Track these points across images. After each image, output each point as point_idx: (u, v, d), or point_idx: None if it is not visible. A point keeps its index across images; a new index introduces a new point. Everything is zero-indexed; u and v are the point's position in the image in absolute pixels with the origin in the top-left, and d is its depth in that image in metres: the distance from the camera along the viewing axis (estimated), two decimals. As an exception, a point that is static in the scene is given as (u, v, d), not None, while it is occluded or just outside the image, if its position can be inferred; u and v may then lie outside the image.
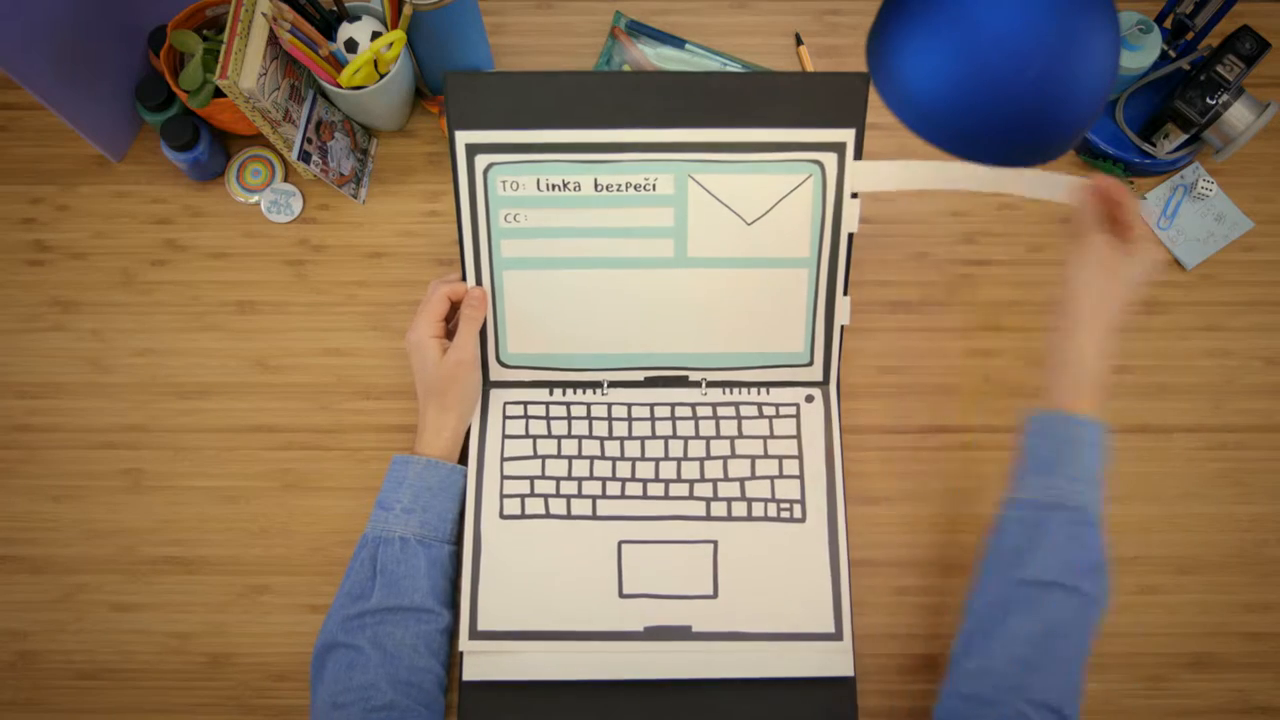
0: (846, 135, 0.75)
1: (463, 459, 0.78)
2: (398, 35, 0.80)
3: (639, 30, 0.94)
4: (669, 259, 0.78)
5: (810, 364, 0.81)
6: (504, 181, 0.76)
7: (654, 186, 0.76)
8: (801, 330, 0.80)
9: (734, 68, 0.92)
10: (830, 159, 0.75)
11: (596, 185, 0.76)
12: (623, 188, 0.76)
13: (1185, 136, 0.85)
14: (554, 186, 0.76)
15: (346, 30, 0.81)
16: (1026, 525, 0.67)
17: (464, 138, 0.75)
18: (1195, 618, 0.78)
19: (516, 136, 0.75)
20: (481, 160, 0.75)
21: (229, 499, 0.82)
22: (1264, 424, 0.83)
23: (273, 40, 0.79)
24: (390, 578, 0.71)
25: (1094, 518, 0.66)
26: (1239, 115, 0.82)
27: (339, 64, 0.82)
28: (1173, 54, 0.87)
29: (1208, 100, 0.82)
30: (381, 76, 0.82)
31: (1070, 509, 0.66)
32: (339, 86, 0.81)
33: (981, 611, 0.66)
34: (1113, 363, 0.69)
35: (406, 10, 0.80)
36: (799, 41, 0.94)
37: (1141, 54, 0.84)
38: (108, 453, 0.83)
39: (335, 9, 0.82)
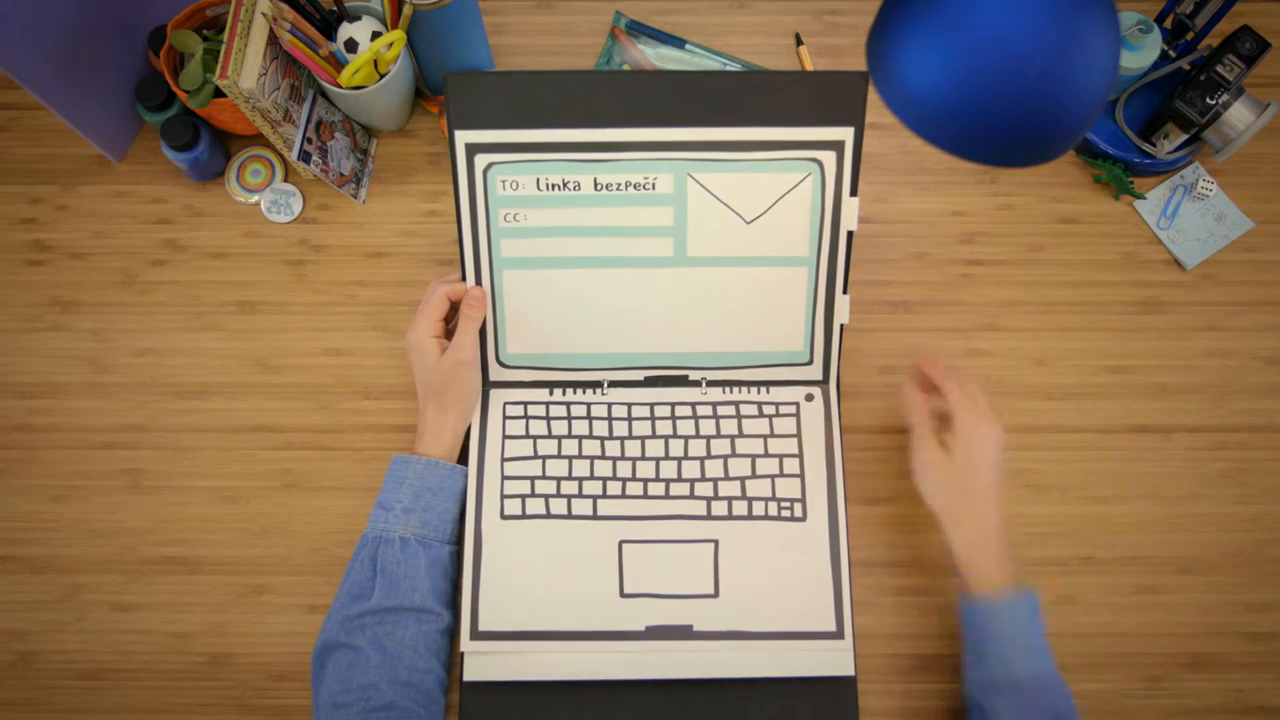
0: (846, 134, 0.75)
1: (462, 459, 0.78)
2: (398, 35, 0.80)
3: (639, 30, 0.94)
4: (668, 258, 0.78)
5: (810, 363, 0.81)
6: (504, 181, 0.76)
7: (653, 185, 0.76)
8: (801, 329, 0.80)
9: (734, 68, 0.92)
10: (829, 157, 0.75)
11: (596, 184, 0.76)
12: (622, 187, 0.76)
13: (1185, 136, 0.85)
14: (554, 186, 0.76)
15: (346, 30, 0.81)
16: (977, 712, 0.70)
17: (464, 137, 0.75)
18: (1195, 618, 0.78)
19: (516, 136, 0.75)
20: (481, 160, 0.75)
21: (229, 499, 0.82)
22: (1264, 424, 0.83)
23: (273, 40, 0.79)
24: (390, 578, 0.71)
25: (1038, 684, 0.68)
26: (1239, 115, 0.82)
27: (339, 64, 0.82)
28: (1173, 54, 0.87)
29: (1208, 100, 0.82)
30: (381, 76, 0.82)
31: (1007, 690, 0.68)
32: (339, 86, 0.81)
33: None
34: (1003, 538, 0.71)
35: (406, 10, 0.80)
36: (799, 41, 0.94)
37: (1141, 54, 0.84)
38: (108, 453, 0.83)
39: (335, 9, 0.82)
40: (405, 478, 0.74)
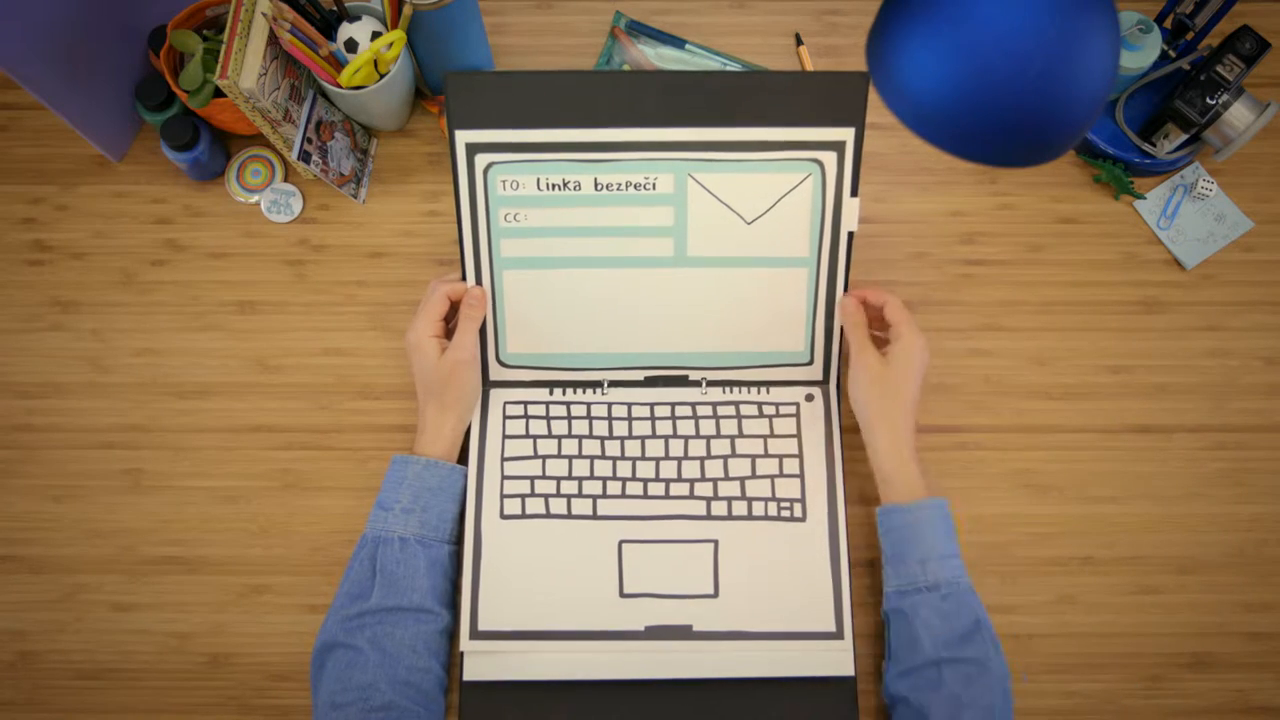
0: (846, 134, 0.75)
1: (462, 459, 0.78)
2: (398, 35, 0.80)
3: (639, 30, 0.94)
4: (669, 258, 0.78)
5: (810, 363, 0.81)
6: (504, 181, 0.76)
7: (654, 185, 0.76)
8: (801, 329, 0.80)
9: (734, 68, 0.92)
10: (830, 158, 0.75)
11: (596, 184, 0.76)
12: (622, 187, 0.76)
13: (1185, 136, 0.85)
14: (554, 186, 0.76)
15: (346, 30, 0.81)
16: (897, 617, 0.72)
17: (464, 137, 0.75)
18: (1195, 618, 0.78)
19: (516, 136, 0.75)
20: (481, 159, 0.75)
21: (229, 499, 0.82)
22: (1264, 424, 0.83)
23: (273, 40, 0.79)
24: (389, 578, 0.71)
25: (954, 588, 0.70)
26: (1239, 115, 0.82)
27: (339, 64, 0.82)
28: (1173, 54, 0.87)
29: (1208, 100, 0.82)
30: (381, 76, 0.82)
31: (926, 590, 0.70)
32: (339, 86, 0.81)
33: (899, 706, 0.70)
34: (915, 449, 0.74)
35: (406, 10, 0.80)
36: (799, 41, 0.94)
37: (1141, 54, 0.84)
38: (108, 453, 0.83)
39: (335, 9, 0.82)
40: (405, 478, 0.74)
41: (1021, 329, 0.85)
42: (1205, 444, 0.83)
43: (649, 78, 0.75)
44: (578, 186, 0.76)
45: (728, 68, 0.92)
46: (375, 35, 0.81)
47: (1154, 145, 0.87)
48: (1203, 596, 0.79)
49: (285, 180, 0.90)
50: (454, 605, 0.75)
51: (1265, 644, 0.78)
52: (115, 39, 0.86)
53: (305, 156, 0.82)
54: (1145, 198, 0.89)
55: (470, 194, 0.76)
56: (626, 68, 0.92)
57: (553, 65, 0.94)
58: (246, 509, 0.81)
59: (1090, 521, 0.80)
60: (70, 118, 0.82)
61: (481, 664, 0.73)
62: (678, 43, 0.93)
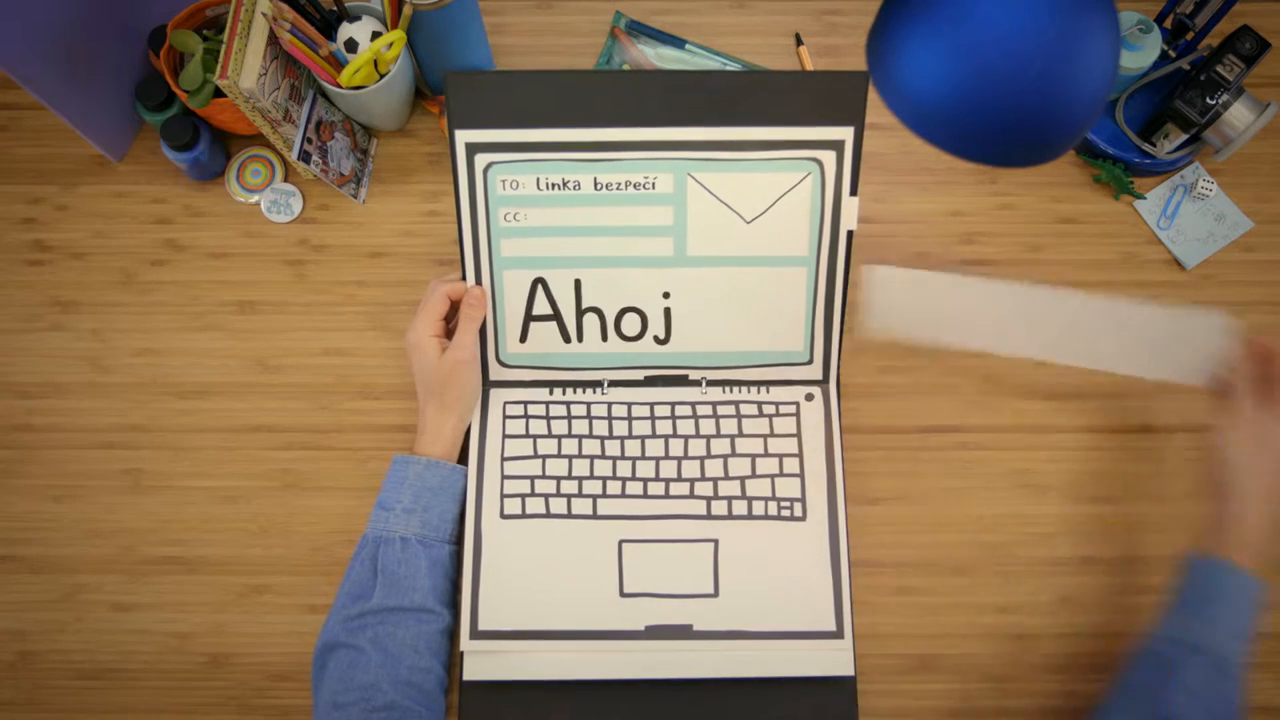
0: (846, 134, 0.75)
1: (462, 459, 0.78)
2: (398, 35, 0.80)
3: (639, 30, 0.94)
4: (668, 258, 0.78)
5: (810, 362, 0.81)
6: (504, 180, 0.76)
7: (653, 185, 0.76)
8: (801, 329, 0.80)
9: (734, 67, 0.92)
10: (829, 157, 0.75)
11: (596, 184, 0.76)
12: (622, 186, 0.76)
13: (1185, 136, 0.85)
14: (554, 185, 0.76)
15: (346, 30, 0.81)
16: (1162, 662, 0.66)
17: (464, 137, 0.75)
18: (1195, 617, 0.78)
19: (516, 135, 0.75)
20: (481, 159, 0.75)
21: (229, 499, 0.82)
22: (1264, 424, 0.83)
23: (273, 40, 0.79)
24: (391, 578, 0.71)
25: (1234, 670, 0.65)
26: (1239, 115, 0.82)
27: (339, 64, 0.82)
28: (1173, 54, 0.87)
29: (1208, 100, 0.82)
30: (381, 76, 0.82)
31: (1211, 654, 0.65)
32: (339, 86, 0.81)
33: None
34: (1275, 529, 0.68)
35: (406, 10, 0.80)
36: (799, 41, 0.94)
37: (1141, 54, 0.84)
38: (108, 453, 0.83)
39: (335, 9, 0.82)
40: (405, 478, 0.74)
41: (1021, 329, 0.85)
42: (1205, 444, 0.82)
43: (649, 78, 0.75)
44: (577, 186, 0.76)
45: (728, 68, 0.92)
46: (375, 35, 0.81)
47: (1154, 145, 0.87)
48: (1203, 596, 0.79)
49: (285, 180, 0.90)
50: (455, 605, 0.75)
51: (1265, 644, 0.78)
52: (115, 39, 0.86)
53: (305, 156, 0.82)
54: (1145, 198, 0.89)
55: (470, 194, 0.76)
56: (626, 68, 0.92)
57: (553, 65, 0.94)
58: (246, 509, 0.81)
59: (1090, 521, 0.80)
60: (70, 118, 0.82)
61: (482, 664, 0.73)
62: (678, 43, 0.93)
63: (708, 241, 0.77)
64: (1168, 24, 0.86)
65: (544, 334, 0.80)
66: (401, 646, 0.69)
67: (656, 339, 0.80)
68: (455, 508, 0.76)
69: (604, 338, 0.80)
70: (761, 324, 0.79)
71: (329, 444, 0.83)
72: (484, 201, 0.76)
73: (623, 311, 0.79)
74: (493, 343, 0.80)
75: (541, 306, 0.79)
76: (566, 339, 0.80)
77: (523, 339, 0.80)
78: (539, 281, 0.78)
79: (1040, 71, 0.51)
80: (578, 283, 0.78)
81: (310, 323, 0.86)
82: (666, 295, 0.79)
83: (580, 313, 0.79)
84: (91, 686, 0.78)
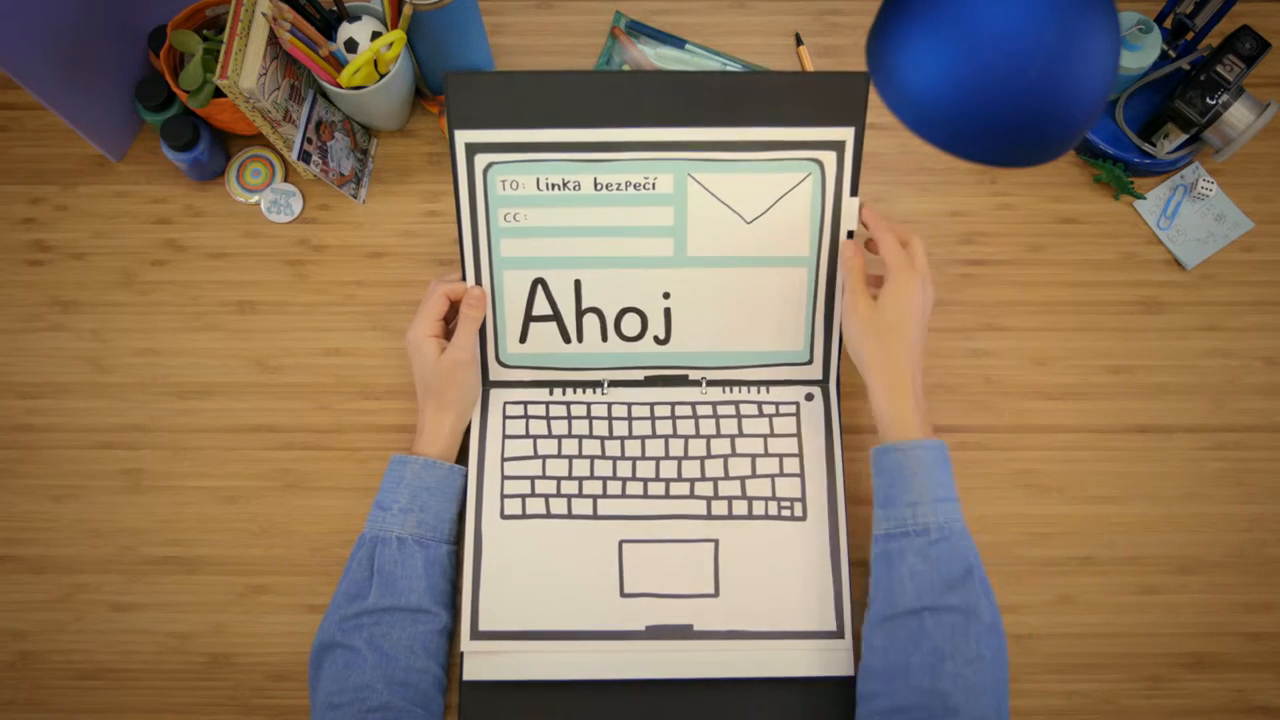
0: (846, 134, 0.75)
1: (461, 458, 0.78)
2: (398, 35, 0.80)
3: (639, 30, 0.94)
4: (669, 258, 0.78)
5: (810, 362, 0.81)
6: (504, 181, 0.76)
7: (654, 185, 0.76)
8: (801, 329, 0.80)
9: (734, 68, 0.92)
10: (829, 157, 0.75)
11: (596, 184, 0.76)
12: (622, 187, 0.76)
13: (1185, 136, 0.85)
14: (554, 186, 0.76)
15: (346, 30, 0.81)
16: (882, 561, 0.69)
17: (464, 137, 0.75)
18: (1195, 618, 0.78)
19: (516, 136, 0.75)
20: (481, 159, 0.75)
21: (229, 499, 0.82)
22: (1264, 424, 0.83)
23: (273, 40, 0.79)
24: (387, 578, 0.71)
25: (945, 533, 0.67)
26: (1239, 115, 0.82)
27: (339, 64, 0.82)
28: (1173, 54, 0.87)
29: (1208, 100, 0.82)
30: (381, 76, 0.82)
31: (915, 534, 0.67)
32: (339, 86, 0.81)
33: (874, 654, 0.68)
34: (921, 395, 0.71)
35: (406, 10, 0.80)
36: (799, 41, 0.94)
37: (1141, 54, 0.84)
38: (108, 453, 0.83)
39: (335, 9, 0.82)
40: (403, 477, 0.74)
41: (1021, 329, 0.85)
42: (1205, 444, 0.83)
43: (649, 78, 0.75)
44: (577, 186, 0.76)
45: (728, 68, 0.92)
46: (375, 35, 0.81)
47: (1154, 145, 0.87)
48: (1203, 597, 0.79)
49: (285, 180, 0.90)
50: (453, 605, 0.75)
51: (1265, 644, 0.78)
52: (115, 39, 0.86)
53: (305, 156, 0.82)
54: (1145, 198, 0.89)
55: (470, 194, 0.76)
56: (626, 68, 0.92)
57: (553, 65, 0.94)
58: (246, 509, 0.81)
59: (1090, 521, 0.80)
60: (70, 118, 0.82)
61: (482, 664, 0.73)
62: (678, 43, 0.93)
63: (708, 242, 0.77)
64: (1168, 24, 0.86)
65: (544, 334, 0.80)
66: (397, 647, 0.69)
67: (656, 339, 0.80)
68: (453, 507, 0.76)
69: (604, 338, 0.80)
70: (762, 324, 0.79)
71: (329, 444, 0.83)
72: (484, 202, 0.76)
73: (623, 312, 0.79)
74: (492, 343, 0.80)
75: (541, 307, 0.79)
76: (566, 339, 0.80)
77: (522, 339, 0.80)
78: (539, 282, 0.78)
79: (1040, 71, 0.51)
80: (578, 283, 0.78)
81: (310, 323, 0.86)
82: (666, 295, 0.79)
83: (580, 313, 0.79)
84: (91, 686, 0.78)
